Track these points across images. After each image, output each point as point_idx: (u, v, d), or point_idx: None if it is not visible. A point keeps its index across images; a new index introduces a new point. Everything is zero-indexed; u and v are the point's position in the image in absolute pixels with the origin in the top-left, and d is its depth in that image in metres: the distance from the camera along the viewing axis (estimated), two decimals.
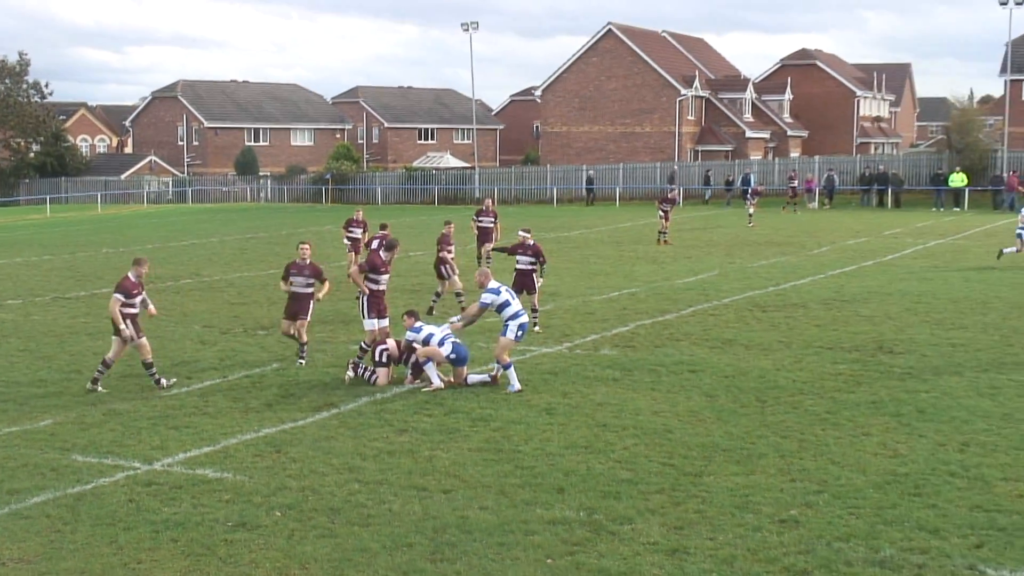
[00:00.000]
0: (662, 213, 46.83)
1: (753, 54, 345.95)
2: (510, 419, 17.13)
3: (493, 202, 39.96)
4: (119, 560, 11.48)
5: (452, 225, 29.30)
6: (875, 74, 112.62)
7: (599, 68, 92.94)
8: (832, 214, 64.86)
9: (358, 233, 35.47)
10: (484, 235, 35.85)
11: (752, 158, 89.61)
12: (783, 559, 11.35)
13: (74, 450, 15.51)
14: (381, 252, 21.24)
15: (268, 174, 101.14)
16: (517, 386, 18.99)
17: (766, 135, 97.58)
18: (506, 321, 19.30)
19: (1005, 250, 37.69)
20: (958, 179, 70.56)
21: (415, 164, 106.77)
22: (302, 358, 21.38)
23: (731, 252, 42.73)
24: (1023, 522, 12.32)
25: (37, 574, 11.17)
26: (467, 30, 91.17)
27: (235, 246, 48.99)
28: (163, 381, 19.24)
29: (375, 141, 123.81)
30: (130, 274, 19.24)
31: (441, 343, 19.38)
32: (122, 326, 18.68)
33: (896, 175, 75.29)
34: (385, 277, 20.70)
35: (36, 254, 46.19)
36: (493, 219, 36.39)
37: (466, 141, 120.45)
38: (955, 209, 67.67)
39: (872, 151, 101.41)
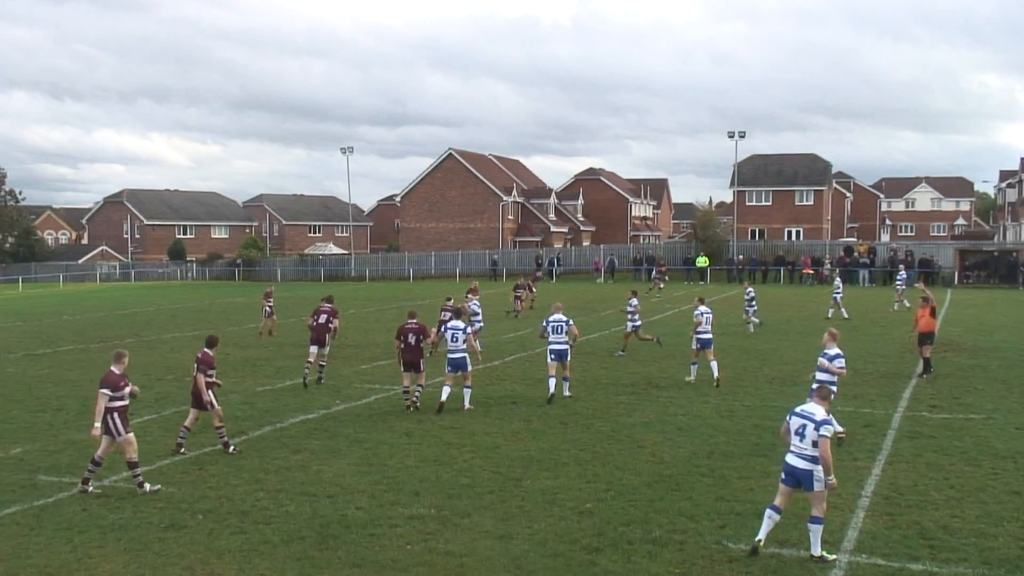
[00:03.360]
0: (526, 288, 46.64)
1: (554, 171, 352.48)
2: (379, 440, 16.91)
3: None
4: (74, 557, 11.03)
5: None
6: (642, 186, 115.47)
7: (443, 181, 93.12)
8: (614, 286, 65.73)
9: (272, 302, 35.43)
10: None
11: (556, 246, 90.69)
12: (582, 540, 11.39)
13: (39, 472, 14.85)
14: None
15: (193, 259, 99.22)
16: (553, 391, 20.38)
17: (565, 229, 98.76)
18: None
19: (830, 313, 39.14)
20: (702, 261, 72.48)
21: (306, 251, 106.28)
22: None
23: (542, 315, 42.79)
24: (754, 509, 12.56)
25: (8, 570, 10.64)
26: (344, 153, 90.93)
27: (168, 313, 47.53)
28: (147, 486, 13.78)
29: (276, 234, 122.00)
30: (114, 367, 14.01)
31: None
32: (97, 422, 13.55)
33: (660, 258, 76.80)
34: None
35: (11, 321, 44.23)
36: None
37: (345, 234, 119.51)
38: (701, 282, 69.26)
39: (641, 241, 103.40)
